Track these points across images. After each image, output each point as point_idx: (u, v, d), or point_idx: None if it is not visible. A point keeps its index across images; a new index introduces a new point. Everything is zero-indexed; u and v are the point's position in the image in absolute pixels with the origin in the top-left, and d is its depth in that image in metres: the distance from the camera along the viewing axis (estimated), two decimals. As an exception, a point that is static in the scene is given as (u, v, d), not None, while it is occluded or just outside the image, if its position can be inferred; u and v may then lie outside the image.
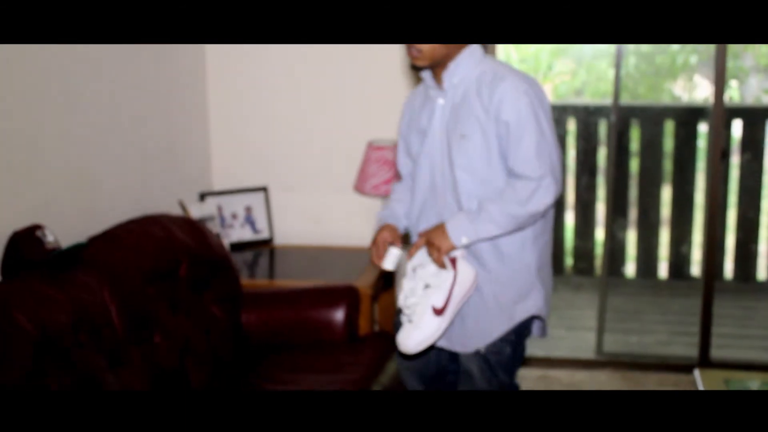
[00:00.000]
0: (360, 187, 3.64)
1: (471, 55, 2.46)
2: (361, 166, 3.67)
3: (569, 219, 5.32)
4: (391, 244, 2.51)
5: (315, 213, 3.94)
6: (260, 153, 3.95)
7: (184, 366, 2.77)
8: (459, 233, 2.35)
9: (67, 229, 2.80)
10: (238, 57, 3.86)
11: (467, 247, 2.39)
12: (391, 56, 3.72)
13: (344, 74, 3.83)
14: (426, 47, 2.39)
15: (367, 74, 3.80)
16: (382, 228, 2.56)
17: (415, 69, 2.51)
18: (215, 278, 3.03)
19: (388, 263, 2.49)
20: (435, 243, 2.36)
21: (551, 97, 6.15)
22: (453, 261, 2.36)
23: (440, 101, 2.51)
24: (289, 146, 3.92)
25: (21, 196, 2.67)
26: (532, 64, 6.23)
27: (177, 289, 2.86)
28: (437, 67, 2.47)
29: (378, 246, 2.52)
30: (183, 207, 3.55)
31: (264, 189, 3.93)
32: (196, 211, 3.61)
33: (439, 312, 2.35)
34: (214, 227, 3.63)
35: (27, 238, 2.55)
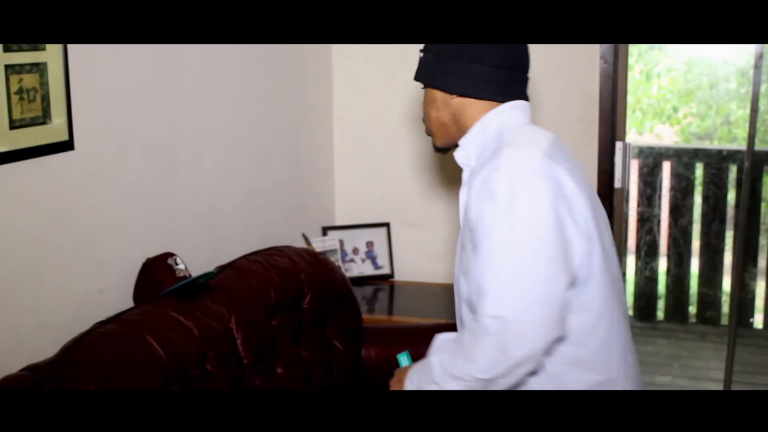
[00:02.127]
0: (482, 226, 3.62)
1: (487, 122, 1.88)
2: (484, 204, 3.65)
3: (694, 266, 5.16)
4: None
5: (436, 250, 3.92)
6: (383, 189, 3.97)
7: (304, 398, 2.78)
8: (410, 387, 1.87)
9: (195, 258, 2.86)
10: (363, 93, 3.90)
11: None
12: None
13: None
14: (428, 111, 1.96)
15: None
16: None
17: (440, 152, 2.05)
18: (337, 311, 3.04)
19: None
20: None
21: (678, 139, 6.01)
22: None
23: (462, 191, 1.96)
24: (412, 182, 3.92)
25: (155, 226, 2.75)
26: (657, 106, 6.11)
27: (300, 321, 2.88)
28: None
29: None
30: (306, 240, 3.59)
31: (386, 225, 3.95)
32: (319, 244, 3.64)
33: None
34: (335, 261, 3.65)
35: (159, 265, 2.62)
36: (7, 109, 2.16)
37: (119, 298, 2.57)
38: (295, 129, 3.63)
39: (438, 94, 1.92)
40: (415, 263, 3.96)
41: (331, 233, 3.85)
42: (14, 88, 2.18)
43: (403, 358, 2.15)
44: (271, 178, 3.43)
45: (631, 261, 5.22)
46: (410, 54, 3.77)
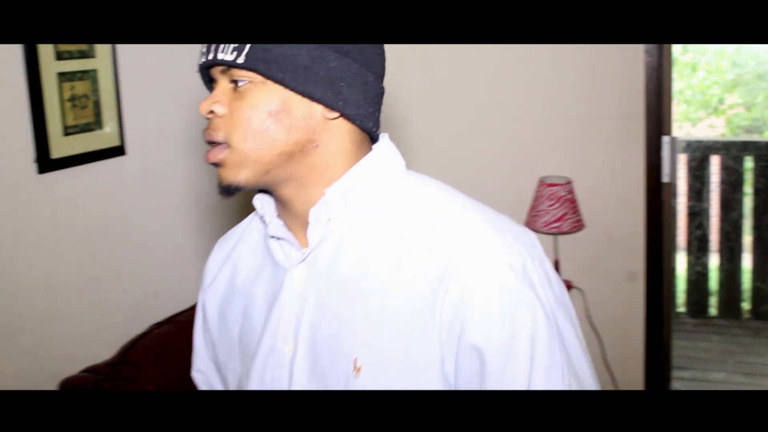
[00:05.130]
0: (531, 225, 3.59)
1: (374, 161, 1.20)
2: (531, 203, 3.63)
3: (746, 261, 5.08)
4: None
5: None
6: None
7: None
8: None
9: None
10: (407, 88, 3.90)
11: None
12: (562, 91, 3.67)
13: (514, 110, 3.81)
14: (234, 130, 1.06)
15: (539, 110, 3.76)
16: None
17: (227, 195, 1.10)
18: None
19: None
20: None
21: (725, 132, 5.93)
22: None
23: (296, 272, 1.15)
24: (459, 183, 3.90)
25: (207, 226, 2.77)
26: (700, 97, 6.04)
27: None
28: (282, 188, 1.13)
29: None
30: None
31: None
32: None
33: None
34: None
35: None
36: (61, 116, 2.20)
37: (174, 299, 2.60)
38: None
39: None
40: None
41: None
42: (67, 95, 2.22)
43: None
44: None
45: (681, 257, 5.16)
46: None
